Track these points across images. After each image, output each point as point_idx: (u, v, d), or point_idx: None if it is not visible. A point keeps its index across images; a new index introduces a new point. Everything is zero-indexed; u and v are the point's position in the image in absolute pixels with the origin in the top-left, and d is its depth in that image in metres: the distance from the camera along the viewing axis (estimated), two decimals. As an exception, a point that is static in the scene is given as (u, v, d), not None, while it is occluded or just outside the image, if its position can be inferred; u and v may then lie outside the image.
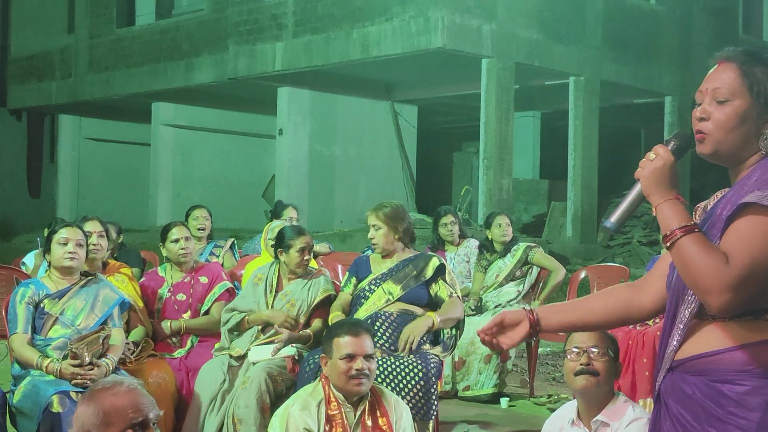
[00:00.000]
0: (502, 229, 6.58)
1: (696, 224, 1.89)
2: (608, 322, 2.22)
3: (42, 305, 4.31)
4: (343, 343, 3.58)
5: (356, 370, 3.54)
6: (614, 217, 2.04)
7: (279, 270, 4.89)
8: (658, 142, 2.05)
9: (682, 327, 1.98)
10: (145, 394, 2.37)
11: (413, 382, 4.18)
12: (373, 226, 4.72)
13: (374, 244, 4.72)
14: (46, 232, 7.30)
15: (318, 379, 3.76)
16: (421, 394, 4.16)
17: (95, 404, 2.33)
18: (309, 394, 3.66)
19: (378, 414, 3.63)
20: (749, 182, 1.93)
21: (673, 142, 2.01)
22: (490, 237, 6.62)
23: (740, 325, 1.90)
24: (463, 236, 6.86)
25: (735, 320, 1.90)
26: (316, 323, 4.75)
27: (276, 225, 5.68)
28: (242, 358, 4.64)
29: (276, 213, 7.17)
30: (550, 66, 13.46)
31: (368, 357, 3.59)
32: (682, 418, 1.96)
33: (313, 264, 5.67)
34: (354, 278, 4.77)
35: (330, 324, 4.52)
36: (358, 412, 3.60)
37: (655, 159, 1.96)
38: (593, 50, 13.98)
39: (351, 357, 3.55)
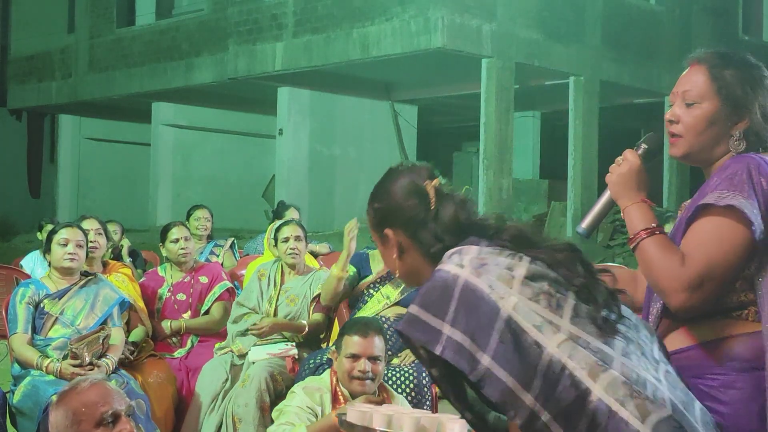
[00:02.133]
0: None
1: (660, 226, 1.94)
2: None
3: (42, 305, 4.31)
4: (351, 342, 3.54)
5: (359, 371, 3.51)
6: (585, 223, 2.10)
7: (281, 267, 4.93)
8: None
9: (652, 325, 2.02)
10: (111, 387, 2.37)
11: (405, 392, 4.16)
12: None
13: None
14: (39, 236, 7.34)
15: (328, 370, 3.74)
16: (413, 404, 4.13)
17: (64, 407, 2.33)
18: (317, 382, 3.66)
19: None
20: (711, 183, 1.96)
21: (642, 146, 2.05)
22: None
23: (709, 323, 1.93)
24: None
25: (704, 319, 1.93)
26: (315, 316, 4.77)
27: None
28: (245, 356, 4.66)
29: (278, 213, 7.17)
30: (549, 66, 13.45)
31: (374, 359, 3.54)
32: None
33: (314, 264, 5.68)
34: (355, 269, 4.74)
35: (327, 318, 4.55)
36: None
37: (622, 164, 2.02)
38: (593, 50, 13.98)
39: (355, 357, 3.52)
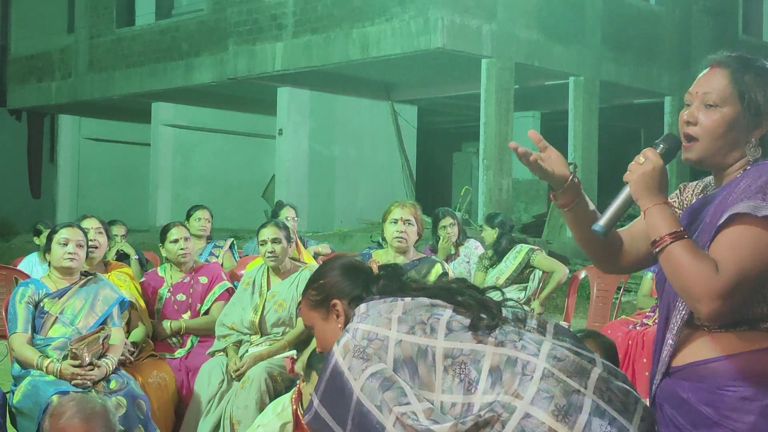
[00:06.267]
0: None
1: (685, 231, 1.89)
2: (594, 244, 2.22)
3: (42, 305, 4.31)
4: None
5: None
6: (603, 221, 2.06)
7: (267, 270, 4.86)
8: (657, 142, 2.05)
9: (674, 334, 1.99)
10: (96, 422, 2.30)
11: None
12: (406, 221, 4.52)
13: (402, 240, 4.50)
14: (36, 240, 7.33)
15: (290, 395, 3.62)
16: None
17: (48, 428, 2.28)
18: (276, 415, 3.54)
19: None
20: (737, 190, 1.92)
21: (662, 146, 1.99)
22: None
23: (735, 334, 1.91)
24: (464, 237, 6.79)
25: (730, 330, 1.91)
26: (299, 323, 4.69)
27: (276, 225, 5.68)
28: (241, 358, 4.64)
29: (275, 213, 7.17)
30: (549, 66, 13.46)
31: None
32: (677, 422, 1.97)
33: (309, 259, 5.64)
34: None
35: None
36: None
37: (645, 163, 1.95)
38: (593, 50, 13.99)
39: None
